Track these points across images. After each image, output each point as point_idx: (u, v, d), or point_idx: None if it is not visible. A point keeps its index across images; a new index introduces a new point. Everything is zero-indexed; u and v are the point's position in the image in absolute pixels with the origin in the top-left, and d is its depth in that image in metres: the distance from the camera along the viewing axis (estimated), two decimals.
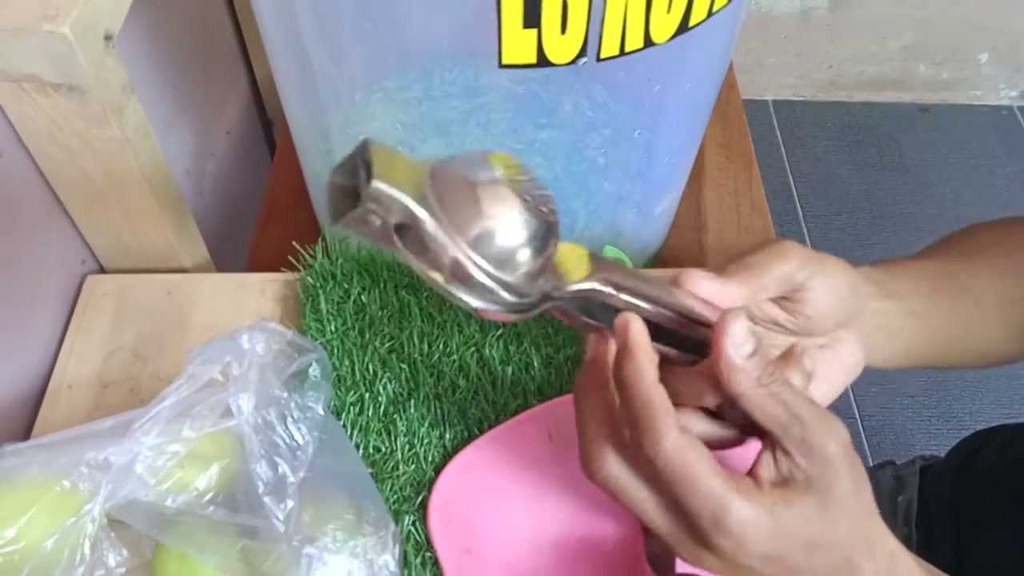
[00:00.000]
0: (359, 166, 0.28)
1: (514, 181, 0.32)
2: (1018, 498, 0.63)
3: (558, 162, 0.58)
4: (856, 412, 1.32)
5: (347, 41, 0.47)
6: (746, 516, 0.33)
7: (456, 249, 0.29)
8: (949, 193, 1.62)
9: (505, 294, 0.30)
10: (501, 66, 0.43)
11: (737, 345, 0.34)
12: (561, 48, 0.41)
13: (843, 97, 1.77)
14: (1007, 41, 1.66)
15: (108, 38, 0.46)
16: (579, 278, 0.32)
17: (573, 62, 0.43)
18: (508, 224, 0.32)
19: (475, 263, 0.29)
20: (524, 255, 0.32)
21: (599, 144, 0.58)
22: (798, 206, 1.60)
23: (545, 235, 0.32)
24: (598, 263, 0.34)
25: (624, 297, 0.34)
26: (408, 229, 0.28)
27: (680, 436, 0.33)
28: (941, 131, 1.72)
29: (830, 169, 1.66)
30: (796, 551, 0.34)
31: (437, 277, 0.29)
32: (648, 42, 0.43)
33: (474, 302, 0.30)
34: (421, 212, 0.28)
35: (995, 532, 0.64)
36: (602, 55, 0.42)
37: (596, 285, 0.33)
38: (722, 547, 0.34)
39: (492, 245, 0.31)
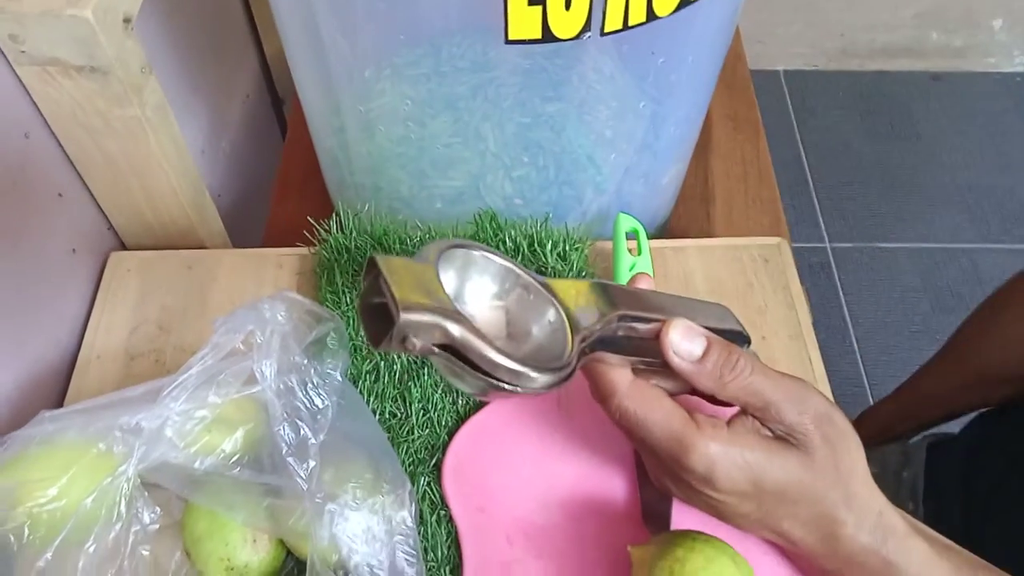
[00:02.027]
0: (385, 294, 0.29)
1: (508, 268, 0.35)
2: None
3: (565, 135, 0.59)
4: (866, 382, 1.33)
5: (360, 17, 0.48)
6: (712, 453, 0.35)
7: (496, 353, 0.31)
8: (961, 161, 1.61)
9: (550, 377, 0.32)
10: (507, 42, 0.44)
11: (679, 354, 0.36)
12: (566, 23, 0.42)
13: (855, 66, 1.76)
14: (1021, 6, 1.63)
15: (127, 20, 0.47)
16: (593, 320, 0.35)
17: (577, 37, 0.44)
18: (527, 312, 0.35)
19: (514, 359, 0.31)
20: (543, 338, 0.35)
21: (606, 117, 0.59)
22: (809, 176, 1.60)
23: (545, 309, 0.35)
24: (602, 295, 0.37)
25: (633, 324, 0.37)
26: (445, 344, 0.30)
27: (630, 390, 0.36)
28: (954, 99, 1.71)
29: (841, 139, 1.65)
30: (769, 496, 0.37)
31: (482, 379, 0.31)
32: (651, 15, 0.44)
33: (520, 389, 0.32)
34: (456, 330, 0.30)
35: (1008, 509, 0.65)
36: (606, 29, 0.43)
37: (608, 326, 0.36)
38: (693, 483, 0.37)
39: (530, 336, 0.34)
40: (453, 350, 0.31)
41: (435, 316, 0.29)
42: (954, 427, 0.81)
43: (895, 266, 1.46)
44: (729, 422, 0.37)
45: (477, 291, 0.36)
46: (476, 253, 0.35)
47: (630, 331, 0.37)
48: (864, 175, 1.59)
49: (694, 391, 0.41)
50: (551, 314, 0.35)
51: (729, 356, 0.37)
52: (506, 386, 0.31)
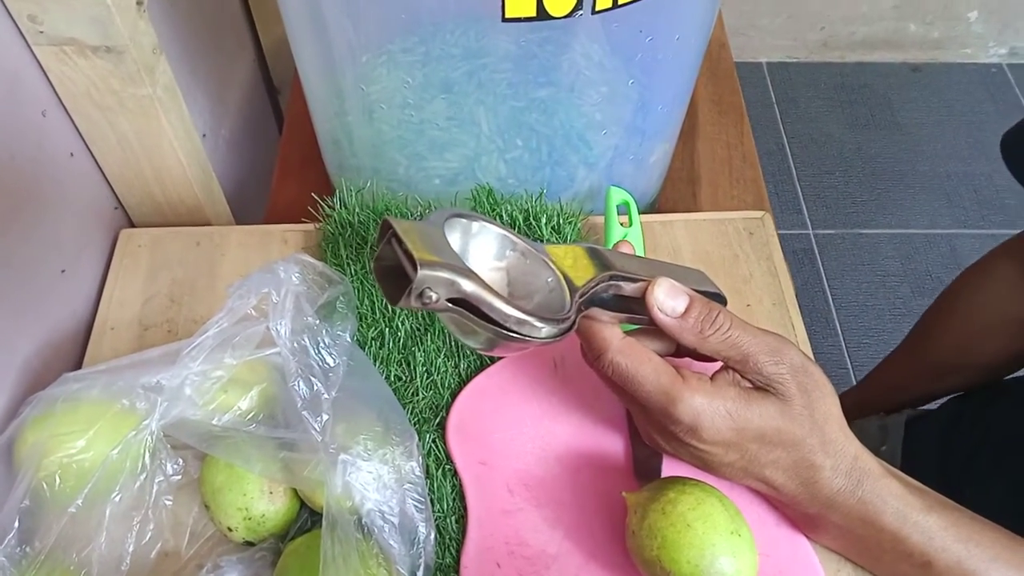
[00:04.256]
0: (399, 254, 0.32)
1: (507, 237, 0.38)
2: (1005, 447, 0.68)
3: (557, 117, 0.62)
4: (849, 363, 1.36)
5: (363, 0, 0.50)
6: (696, 404, 0.38)
7: (504, 304, 0.33)
8: (940, 150, 1.65)
9: (553, 327, 0.35)
10: (504, 20, 0.47)
11: (663, 310, 0.39)
12: (559, 1, 0.45)
13: (836, 58, 1.80)
14: None
15: (140, 3, 0.49)
16: (587, 279, 0.38)
17: (570, 15, 0.46)
18: (526, 274, 0.38)
19: (521, 310, 0.34)
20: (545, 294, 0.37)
21: (596, 99, 0.61)
22: (792, 165, 1.63)
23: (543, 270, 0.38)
24: (593, 257, 0.40)
25: (621, 283, 0.39)
26: (457, 299, 0.33)
27: (621, 346, 0.39)
28: (932, 90, 1.75)
29: (823, 129, 1.69)
30: (751, 443, 0.39)
31: (492, 330, 0.34)
32: None
33: (531, 341, 0.34)
34: (469, 283, 0.32)
35: (982, 481, 0.67)
36: (597, 7, 0.46)
37: (600, 284, 0.38)
38: (680, 434, 0.39)
39: (531, 295, 0.37)
40: (464, 304, 0.33)
41: (449, 272, 0.32)
42: (932, 403, 0.85)
43: (876, 251, 1.50)
44: (712, 377, 0.40)
45: (478, 255, 0.39)
46: (475, 222, 0.38)
47: (618, 290, 0.40)
48: (845, 164, 1.63)
49: (678, 350, 0.43)
50: (548, 275, 0.38)
51: (710, 312, 0.39)
52: (513, 335, 0.34)
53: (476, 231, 0.38)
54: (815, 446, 0.39)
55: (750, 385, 0.40)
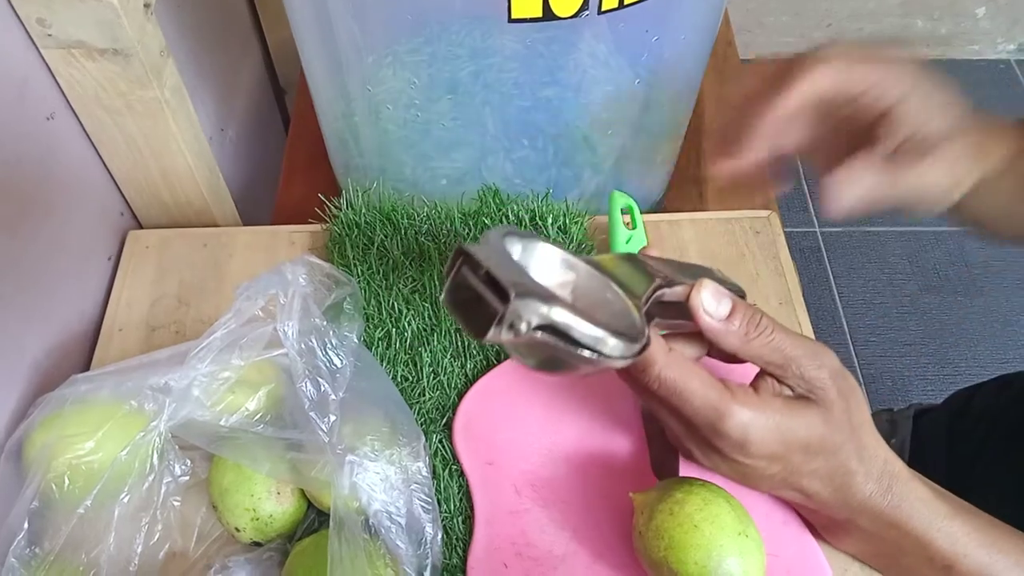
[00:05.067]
0: (476, 283, 0.30)
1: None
2: (1012, 439, 0.67)
3: (563, 117, 0.62)
4: (855, 360, 1.36)
5: (369, 1, 0.50)
6: (745, 419, 0.37)
7: (595, 328, 0.31)
8: None
9: (636, 346, 0.33)
10: (510, 20, 0.47)
11: (709, 313, 0.38)
12: (565, 1, 0.45)
13: None
14: None
15: (147, 5, 0.49)
16: (642, 292, 0.36)
17: (576, 15, 0.46)
18: (593, 290, 0.36)
19: (611, 332, 0.32)
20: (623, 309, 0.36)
21: (602, 99, 0.61)
22: (799, 165, 1.62)
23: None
24: (636, 267, 0.38)
25: (665, 290, 0.38)
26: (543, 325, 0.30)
27: (668, 359, 0.37)
28: None
29: None
30: (796, 454, 0.38)
31: (570, 353, 0.32)
32: None
33: (617, 363, 0.33)
34: (562, 313, 0.30)
35: (989, 472, 0.67)
36: (603, 7, 0.46)
37: (655, 295, 0.37)
38: (726, 449, 0.38)
39: (617, 320, 0.35)
40: (548, 329, 0.31)
41: (542, 299, 0.30)
42: (938, 398, 0.85)
43: (884, 249, 1.49)
44: (753, 387, 0.39)
45: (539, 277, 0.36)
46: (531, 241, 0.36)
47: (660, 297, 0.38)
48: None
49: (709, 354, 0.43)
50: (607, 292, 0.36)
51: (753, 315, 0.38)
52: (597, 358, 0.32)
53: (532, 251, 0.36)
54: (851, 452, 0.39)
55: (790, 393, 0.39)
